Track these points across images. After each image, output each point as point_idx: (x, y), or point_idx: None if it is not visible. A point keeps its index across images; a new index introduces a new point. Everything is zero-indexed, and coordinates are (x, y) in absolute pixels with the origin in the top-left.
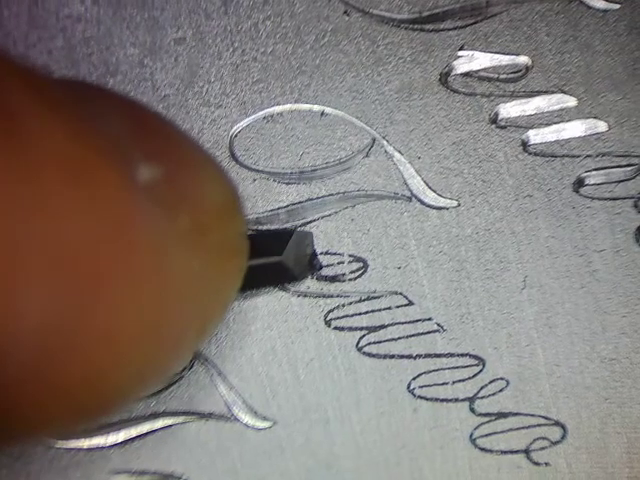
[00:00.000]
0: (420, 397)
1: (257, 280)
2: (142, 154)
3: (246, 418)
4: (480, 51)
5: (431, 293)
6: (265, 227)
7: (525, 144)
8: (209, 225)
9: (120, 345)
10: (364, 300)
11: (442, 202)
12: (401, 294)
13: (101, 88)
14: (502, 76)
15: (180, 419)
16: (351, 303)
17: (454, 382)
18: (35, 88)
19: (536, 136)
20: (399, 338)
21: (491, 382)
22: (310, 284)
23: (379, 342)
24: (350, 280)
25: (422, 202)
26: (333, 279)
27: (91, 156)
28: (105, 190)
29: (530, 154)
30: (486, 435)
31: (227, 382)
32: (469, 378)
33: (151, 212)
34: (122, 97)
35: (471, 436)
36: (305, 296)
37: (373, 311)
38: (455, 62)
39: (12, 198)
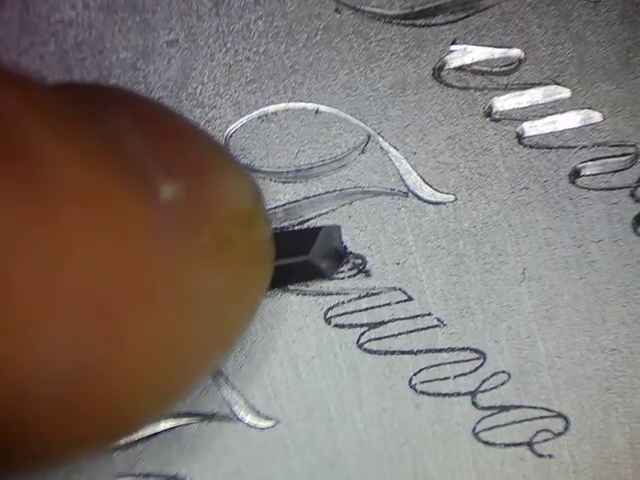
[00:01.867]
0: (422, 392)
1: (285, 279)
2: (163, 172)
3: (249, 418)
4: (472, 45)
5: (430, 288)
6: None
7: (520, 136)
8: (233, 238)
9: (145, 371)
10: (363, 297)
11: (439, 197)
12: (400, 290)
13: (114, 92)
14: (495, 69)
15: (183, 421)
16: (350, 300)
17: (455, 376)
18: (48, 114)
19: (531, 128)
20: (399, 334)
21: (492, 375)
22: (309, 282)
23: (380, 338)
24: (349, 277)
25: (419, 197)
26: (330, 279)
27: (109, 186)
28: (125, 220)
29: (525, 146)
30: (489, 428)
31: (229, 382)
32: (470, 372)
33: (174, 233)
34: (139, 102)
35: (474, 430)
36: (304, 294)
37: (373, 307)
38: (448, 56)
39: (32, 240)
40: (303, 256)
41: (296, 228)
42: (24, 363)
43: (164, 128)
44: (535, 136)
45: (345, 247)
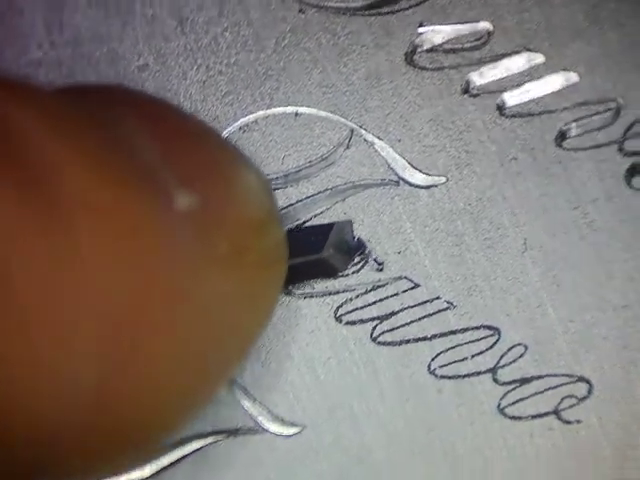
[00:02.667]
0: (442, 377)
1: (298, 277)
2: (176, 177)
3: (274, 427)
4: (440, 24)
5: (435, 272)
6: None
7: (501, 108)
8: (248, 244)
9: (168, 386)
10: (370, 290)
11: (430, 180)
12: (406, 278)
13: (122, 92)
14: (466, 45)
15: (209, 440)
16: (358, 296)
17: (473, 356)
18: (54, 119)
19: (510, 98)
20: (411, 322)
21: (509, 349)
22: (314, 283)
23: (392, 329)
24: (353, 273)
25: (410, 184)
26: (337, 275)
27: (122, 196)
28: (140, 231)
29: (508, 117)
30: (513, 403)
31: (249, 395)
32: (487, 349)
33: (189, 242)
34: (147, 102)
35: (499, 406)
36: (312, 297)
37: (381, 300)
38: (417, 40)
39: (44, 252)
40: (316, 254)
41: (307, 225)
42: (48, 385)
43: (175, 129)
44: (516, 106)
45: (361, 241)
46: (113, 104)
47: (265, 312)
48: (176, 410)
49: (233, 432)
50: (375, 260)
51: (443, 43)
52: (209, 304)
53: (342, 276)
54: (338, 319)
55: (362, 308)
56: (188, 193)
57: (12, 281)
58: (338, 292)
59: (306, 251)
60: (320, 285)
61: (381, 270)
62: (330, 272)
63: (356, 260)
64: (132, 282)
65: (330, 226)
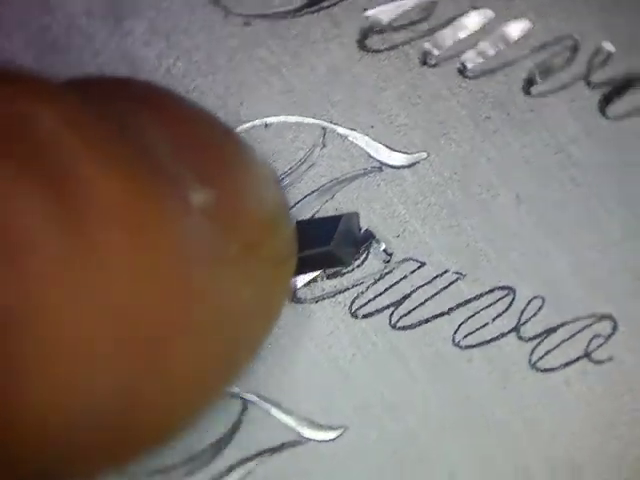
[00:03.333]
0: (467, 347)
1: (306, 268)
2: (191, 176)
3: (315, 435)
4: (384, 4)
5: (437, 246)
6: None
7: (462, 72)
8: (261, 240)
9: (186, 385)
10: (379, 280)
11: (411, 158)
12: (411, 259)
13: (132, 85)
14: (414, 18)
15: (254, 462)
16: (368, 288)
17: (493, 319)
18: (77, 123)
19: (469, 60)
20: (426, 301)
21: (527, 305)
22: (323, 285)
23: (409, 312)
24: (358, 267)
25: (393, 166)
26: (342, 272)
27: (142, 197)
28: (158, 231)
29: (471, 79)
30: (543, 356)
31: (283, 408)
32: (506, 310)
33: (204, 240)
34: (159, 95)
35: (530, 362)
36: (323, 299)
37: (392, 286)
38: (366, 24)
39: (69, 262)
40: (325, 246)
41: (315, 217)
42: (66, 386)
43: (186, 123)
44: (476, 66)
45: (368, 232)
46: (122, 97)
47: (277, 307)
48: (191, 410)
49: (277, 449)
50: (385, 251)
51: (391, 21)
52: (224, 301)
53: (348, 272)
54: (354, 315)
55: (375, 298)
56: (203, 189)
57: (31, 279)
58: (348, 288)
59: (315, 243)
60: (329, 285)
61: (389, 261)
62: (339, 263)
63: (363, 252)
64: (150, 282)
65: (338, 218)
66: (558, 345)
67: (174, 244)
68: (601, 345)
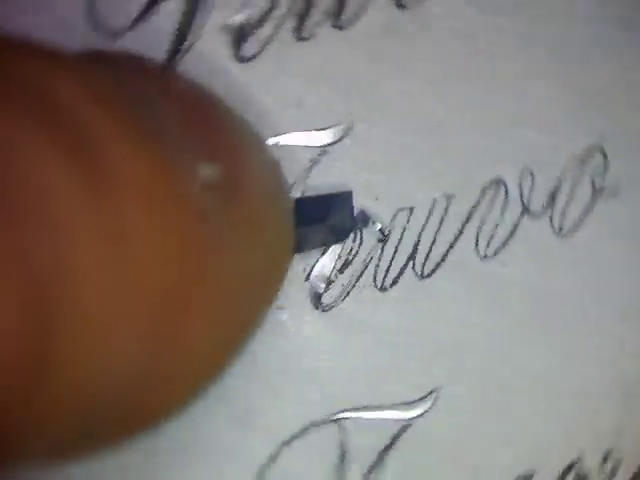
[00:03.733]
0: (496, 252)
1: (302, 246)
2: (200, 151)
3: (414, 412)
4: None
5: (415, 186)
6: None
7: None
8: (263, 211)
9: (204, 360)
10: (384, 247)
11: (344, 128)
12: (399, 210)
13: (143, 64)
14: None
15: (376, 458)
16: (380, 259)
17: (502, 214)
18: (112, 109)
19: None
20: (436, 237)
21: (521, 192)
22: (340, 281)
23: (428, 256)
24: (360, 247)
25: (332, 143)
26: (350, 260)
27: (164, 178)
28: (178, 216)
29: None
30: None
31: (370, 407)
32: (505, 201)
33: (214, 215)
34: (169, 77)
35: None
36: (347, 293)
37: (398, 244)
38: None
39: (96, 236)
40: (321, 222)
41: (311, 194)
42: (102, 368)
43: (192, 101)
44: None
45: (364, 213)
46: (132, 71)
47: (279, 282)
48: (210, 375)
49: (391, 444)
50: (380, 231)
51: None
52: (238, 273)
53: (354, 257)
54: (382, 288)
55: (391, 265)
56: (210, 165)
57: (65, 240)
58: (363, 271)
59: (311, 219)
60: (345, 277)
61: (385, 240)
62: (334, 240)
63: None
64: (175, 256)
65: (333, 195)
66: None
67: (191, 216)
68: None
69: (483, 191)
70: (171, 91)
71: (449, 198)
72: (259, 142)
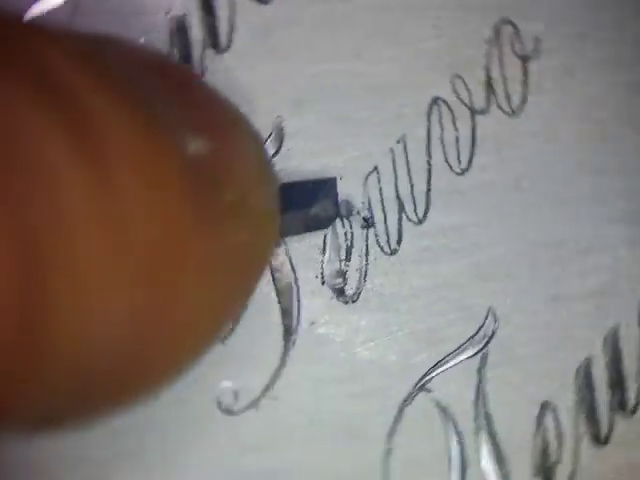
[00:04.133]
0: None
1: (287, 231)
2: (191, 128)
3: (481, 342)
4: None
5: (370, 144)
6: None
7: None
8: (250, 191)
9: (194, 325)
10: (371, 225)
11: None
12: (369, 173)
13: (146, 52)
14: None
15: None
16: (376, 227)
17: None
18: (105, 82)
19: None
20: (411, 179)
21: None
22: (350, 267)
23: (415, 203)
24: (353, 235)
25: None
26: (352, 245)
27: (156, 149)
28: (169, 185)
29: None
30: None
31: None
32: None
33: (202, 194)
34: (167, 61)
35: None
36: (366, 274)
37: (384, 205)
38: None
39: (97, 211)
40: (307, 208)
41: (297, 180)
42: (99, 329)
43: (181, 80)
44: None
45: (349, 203)
46: (123, 51)
47: (265, 260)
48: (198, 344)
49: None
50: (364, 219)
51: None
52: (225, 247)
53: (352, 238)
54: (393, 252)
55: (387, 224)
56: (199, 142)
57: (58, 203)
58: (367, 247)
59: (296, 205)
60: (354, 261)
61: (369, 226)
62: (319, 226)
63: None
64: (165, 226)
65: (319, 182)
66: None
67: (184, 187)
68: None
69: (428, 117)
70: (161, 71)
71: (402, 140)
72: (246, 123)
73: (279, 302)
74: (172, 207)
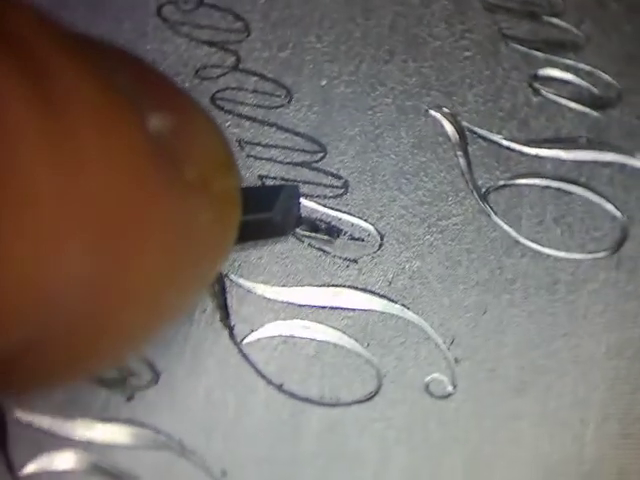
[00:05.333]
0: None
1: (248, 234)
2: (150, 105)
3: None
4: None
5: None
6: None
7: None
8: (212, 177)
9: (148, 290)
10: (359, 216)
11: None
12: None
13: (105, 41)
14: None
15: None
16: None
17: None
18: (65, 44)
19: None
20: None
21: None
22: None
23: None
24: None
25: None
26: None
27: (116, 108)
28: (128, 141)
29: None
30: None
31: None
32: None
33: (162, 163)
34: (126, 51)
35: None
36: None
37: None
38: None
39: (51, 156)
40: (267, 213)
41: (258, 185)
42: (52, 272)
43: (149, 69)
44: None
45: (335, 227)
46: (103, 50)
47: (224, 251)
48: (152, 317)
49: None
50: (329, 232)
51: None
52: (186, 221)
53: (358, 261)
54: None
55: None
56: (160, 118)
57: (16, 169)
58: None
59: (257, 209)
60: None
61: (335, 239)
62: (278, 232)
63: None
64: (123, 187)
65: (280, 188)
66: None
67: (147, 160)
68: None
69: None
70: (129, 61)
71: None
72: (207, 116)
73: None
74: (129, 160)
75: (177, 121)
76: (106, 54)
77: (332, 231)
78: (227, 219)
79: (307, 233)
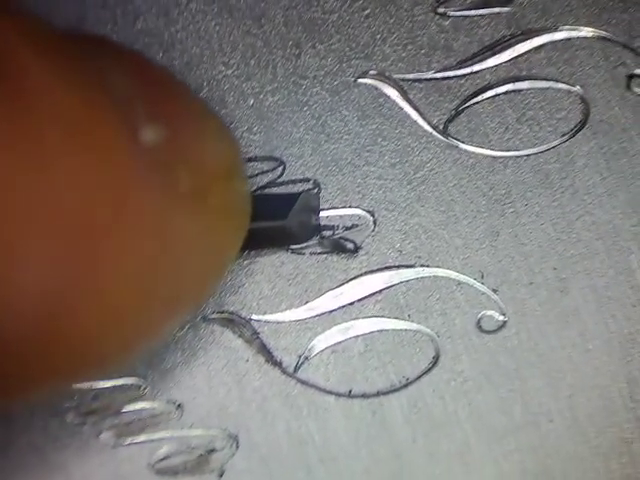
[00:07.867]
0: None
1: (261, 242)
2: (146, 114)
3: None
4: None
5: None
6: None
7: None
8: (210, 188)
9: (118, 302)
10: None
11: None
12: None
13: (108, 41)
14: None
15: None
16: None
17: None
18: (35, 41)
19: None
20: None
21: None
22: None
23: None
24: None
25: None
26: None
27: (90, 112)
28: (104, 148)
29: None
30: None
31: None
32: None
33: (151, 174)
34: (129, 51)
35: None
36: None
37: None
38: None
39: (12, 157)
40: (281, 221)
41: (274, 192)
42: (4, 281)
43: (152, 72)
44: None
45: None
46: (101, 51)
47: (221, 264)
48: (123, 332)
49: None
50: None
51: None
52: (168, 234)
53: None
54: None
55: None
56: (154, 128)
57: None
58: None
59: (271, 216)
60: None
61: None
62: (290, 241)
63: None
64: (93, 194)
65: (297, 195)
66: None
67: (122, 166)
68: None
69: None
70: (123, 57)
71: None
72: (216, 121)
73: None
74: (101, 162)
75: (176, 125)
76: (101, 53)
77: (347, 246)
78: (225, 230)
79: (303, 245)
